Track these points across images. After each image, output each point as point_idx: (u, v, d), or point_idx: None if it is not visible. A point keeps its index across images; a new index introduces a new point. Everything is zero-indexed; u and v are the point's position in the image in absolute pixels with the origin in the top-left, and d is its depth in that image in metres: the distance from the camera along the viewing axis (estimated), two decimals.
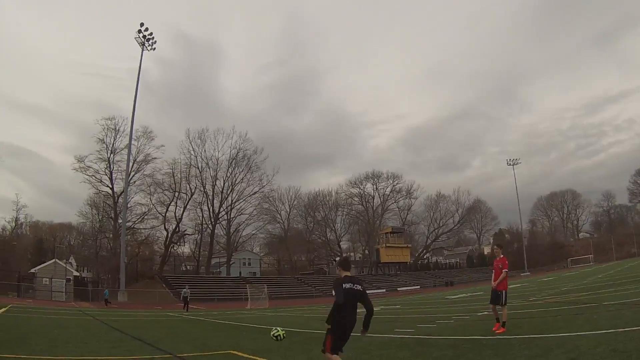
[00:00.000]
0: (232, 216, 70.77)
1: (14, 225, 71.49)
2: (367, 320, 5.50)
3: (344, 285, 5.39)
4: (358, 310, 5.37)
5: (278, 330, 6.62)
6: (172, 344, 11.32)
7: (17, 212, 70.10)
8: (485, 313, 15.99)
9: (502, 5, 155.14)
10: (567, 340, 7.77)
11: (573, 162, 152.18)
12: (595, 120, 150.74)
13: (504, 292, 10.32)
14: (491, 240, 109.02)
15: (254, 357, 8.73)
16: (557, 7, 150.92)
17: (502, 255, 10.79)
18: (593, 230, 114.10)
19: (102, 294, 45.89)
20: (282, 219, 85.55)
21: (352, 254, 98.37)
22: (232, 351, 9.67)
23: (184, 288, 34.80)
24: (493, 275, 10.72)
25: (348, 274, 5.62)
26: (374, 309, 5.54)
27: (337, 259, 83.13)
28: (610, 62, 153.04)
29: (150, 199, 63.93)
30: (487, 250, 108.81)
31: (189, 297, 33.59)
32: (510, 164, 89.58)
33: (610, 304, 13.73)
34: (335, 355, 5.28)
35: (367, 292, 5.68)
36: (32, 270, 48.54)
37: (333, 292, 5.61)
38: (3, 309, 23.40)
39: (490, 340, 9.01)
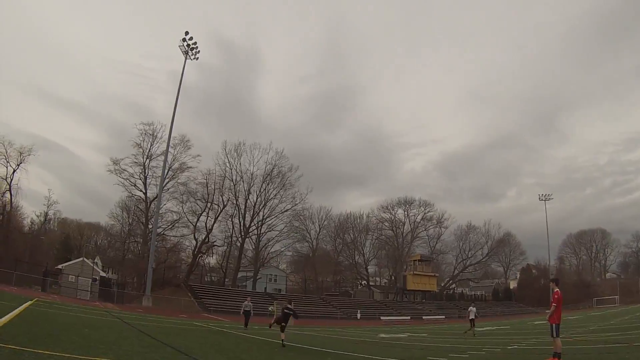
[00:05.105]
0: (262, 231, 70.48)
1: (43, 220, 72.48)
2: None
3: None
4: None
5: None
6: (206, 355, 11.04)
7: (47, 207, 70.97)
8: (516, 346, 16.02)
9: (550, 28, 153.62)
10: None
11: (608, 199, 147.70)
12: (634, 157, 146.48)
13: (552, 325, 10.63)
14: (518, 275, 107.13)
15: None
16: (606, 32, 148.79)
17: (555, 289, 11.08)
18: (620, 271, 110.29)
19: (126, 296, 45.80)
20: (311, 238, 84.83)
21: (378, 278, 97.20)
22: None
23: (245, 301, 28.33)
24: None
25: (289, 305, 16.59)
26: None
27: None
28: None
29: (182, 207, 64.01)
30: (513, 284, 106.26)
31: (252, 312, 28.03)
32: (542, 199, 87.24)
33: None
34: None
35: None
36: (59, 267, 48.96)
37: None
38: (30, 302, 23.49)
39: None
